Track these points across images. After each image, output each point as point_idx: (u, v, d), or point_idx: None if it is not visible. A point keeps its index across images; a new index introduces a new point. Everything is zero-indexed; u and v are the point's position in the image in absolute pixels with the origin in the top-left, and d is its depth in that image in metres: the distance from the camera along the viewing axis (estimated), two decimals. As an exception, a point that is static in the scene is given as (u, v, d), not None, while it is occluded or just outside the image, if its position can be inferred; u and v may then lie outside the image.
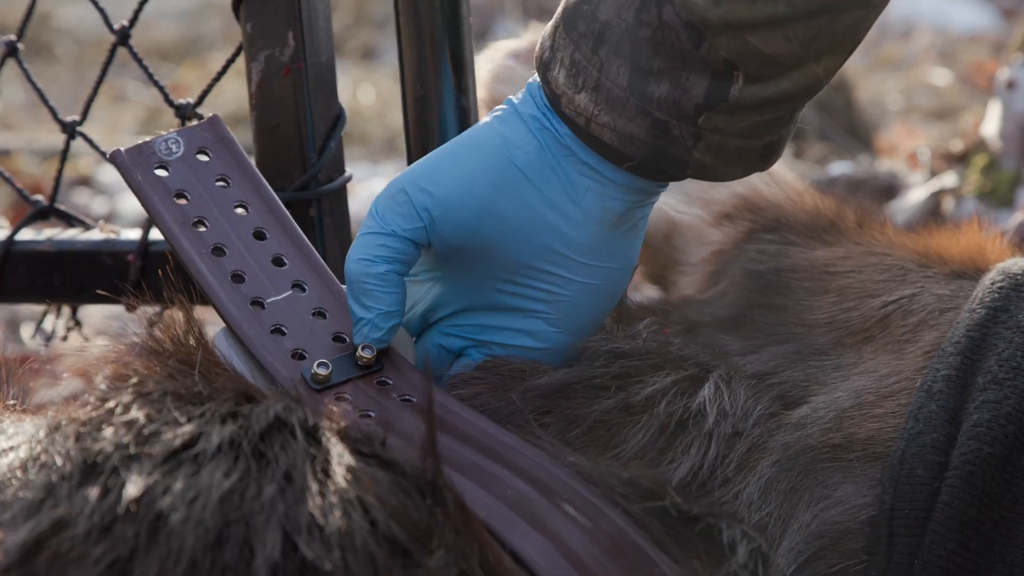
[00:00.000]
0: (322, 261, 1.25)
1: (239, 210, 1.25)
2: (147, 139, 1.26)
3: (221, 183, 1.25)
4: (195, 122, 1.29)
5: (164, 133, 1.27)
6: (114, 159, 1.24)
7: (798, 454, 1.16)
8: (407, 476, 1.00)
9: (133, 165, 1.24)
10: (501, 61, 1.57)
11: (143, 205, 1.23)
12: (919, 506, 1.10)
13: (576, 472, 1.12)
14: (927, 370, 1.17)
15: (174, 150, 1.25)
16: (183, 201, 1.23)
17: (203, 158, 1.26)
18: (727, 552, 1.10)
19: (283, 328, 1.20)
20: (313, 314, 1.22)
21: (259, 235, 1.24)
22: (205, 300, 1.22)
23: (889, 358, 1.23)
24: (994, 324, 1.18)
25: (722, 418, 1.18)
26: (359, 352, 1.19)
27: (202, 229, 1.22)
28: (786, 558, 1.12)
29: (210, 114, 1.31)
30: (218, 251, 1.22)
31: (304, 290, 1.23)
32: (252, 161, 1.30)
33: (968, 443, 1.11)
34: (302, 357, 1.19)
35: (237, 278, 1.21)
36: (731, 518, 1.12)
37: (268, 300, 1.21)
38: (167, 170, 1.24)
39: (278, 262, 1.23)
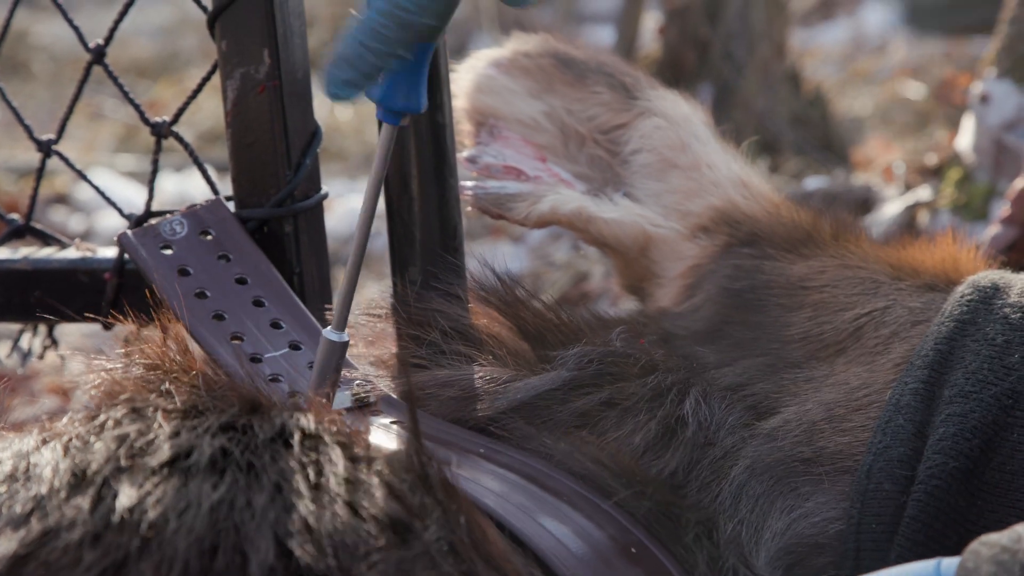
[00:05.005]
0: (316, 323, 1.33)
1: (239, 283, 1.35)
2: (153, 222, 1.37)
3: (222, 259, 1.36)
4: (199, 204, 1.41)
5: (169, 216, 1.37)
6: (120, 241, 1.35)
7: (770, 465, 1.16)
8: (395, 469, 1.02)
9: (140, 245, 1.35)
10: (482, 71, 1.56)
11: (148, 280, 1.33)
12: (886, 520, 1.11)
13: (548, 457, 1.14)
14: (896, 383, 1.18)
15: (178, 231, 1.36)
16: (186, 276, 1.33)
17: (206, 237, 1.37)
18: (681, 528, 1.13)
19: (279, 377, 1.28)
20: (308, 366, 1.29)
21: (258, 303, 1.34)
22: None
23: (860, 370, 1.24)
24: (962, 337, 1.19)
25: (699, 430, 1.20)
26: (353, 388, 1.25)
27: (204, 299, 1.32)
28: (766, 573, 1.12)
29: (214, 197, 1.42)
30: (218, 317, 1.31)
31: (300, 348, 1.31)
32: (251, 240, 1.40)
33: (934, 457, 1.11)
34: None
35: (236, 338, 1.30)
36: (694, 509, 1.14)
37: (266, 356, 1.29)
38: (171, 249, 1.35)
39: (276, 325, 1.32)
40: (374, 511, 0.98)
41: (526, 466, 1.15)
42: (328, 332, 1.21)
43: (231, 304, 1.32)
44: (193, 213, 1.38)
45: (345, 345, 1.22)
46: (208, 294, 1.32)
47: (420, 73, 1.17)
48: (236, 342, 1.29)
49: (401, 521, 0.97)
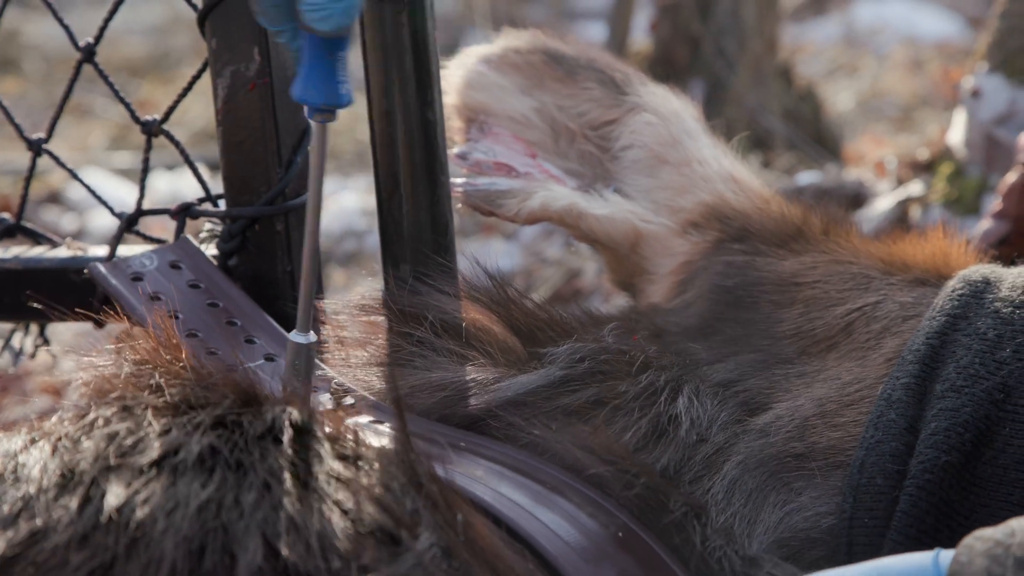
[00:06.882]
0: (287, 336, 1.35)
1: (211, 306, 1.36)
2: (123, 257, 1.39)
3: (194, 288, 1.38)
4: (167, 243, 1.43)
5: (139, 252, 1.40)
6: (92, 271, 1.37)
7: (763, 460, 1.17)
8: (385, 467, 1.01)
9: (110, 275, 1.36)
10: (472, 67, 1.56)
11: (120, 305, 1.34)
12: (878, 515, 1.11)
13: (539, 445, 1.14)
14: (887, 378, 1.18)
15: (147, 265, 1.38)
16: (157, 301, 1.35)
17: (175, 270, 1.39)
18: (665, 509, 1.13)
19: None
20: None
21: (231, 323, 1.35)
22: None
23: (852, 365, 1.24)
24: (953, 332, 1.19)
25: (692, 427, 1.20)
26: (332, 386, 1.24)
27: (176, 320, 1.33)
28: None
29: (183, 235, 1.44)
30: (191, 335, 1.32)
31: (274, 360, 1.32)
32: (220, 271, 1.42)
33: (926, 452, 1.12)
34: None
35: (211, 354, 1.30)
36: (683, 494, 1.14)
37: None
38: (142, 279, 1.37)
39: (250, 341, 1.34)
40: (363, 518, 0.97)
41: (510, 457, 1.15)
42: (294, 335, 1.21)
43: (204, 325, 1.33)
44: (162, 249, 1.41)
45: (313, 345, 1.22)
46: (181, 316, 1.33)
47: (332, 67, 1.17)
48: (211, 356, 1.29)
49: (390, 534, 0.97)
